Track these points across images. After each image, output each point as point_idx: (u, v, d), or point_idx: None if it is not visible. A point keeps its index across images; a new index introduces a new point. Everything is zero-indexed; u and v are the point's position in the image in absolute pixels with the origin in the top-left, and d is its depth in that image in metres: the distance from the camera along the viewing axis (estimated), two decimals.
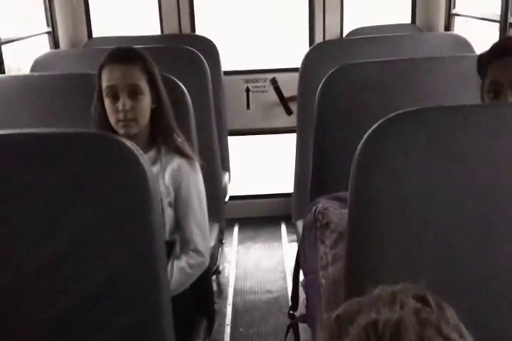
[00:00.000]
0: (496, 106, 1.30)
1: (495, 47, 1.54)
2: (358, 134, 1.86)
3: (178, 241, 1.64)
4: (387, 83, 1.82)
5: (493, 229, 1.10)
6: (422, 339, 0.61)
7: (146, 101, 1.62)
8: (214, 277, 2.64)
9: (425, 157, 1.10)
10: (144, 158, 1.16)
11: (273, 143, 4.35)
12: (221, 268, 2.92)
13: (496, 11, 2.47)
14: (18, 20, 3.28)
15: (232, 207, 3.19)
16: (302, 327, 1.76)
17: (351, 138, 1.87)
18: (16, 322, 1.17)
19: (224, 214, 2.59)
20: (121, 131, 1.60)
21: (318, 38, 3.24)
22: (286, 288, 2.78)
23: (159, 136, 1.66)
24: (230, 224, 3.36)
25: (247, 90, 3.31)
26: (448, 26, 3.06)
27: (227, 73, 3.17)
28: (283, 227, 3.44)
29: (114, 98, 1.58)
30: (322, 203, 1.72)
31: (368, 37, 2.64)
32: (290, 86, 3.28)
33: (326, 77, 1.84)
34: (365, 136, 1.15)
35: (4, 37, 2.42)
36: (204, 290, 1.77)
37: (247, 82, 3.30)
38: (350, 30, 3.25)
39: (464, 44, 2.52)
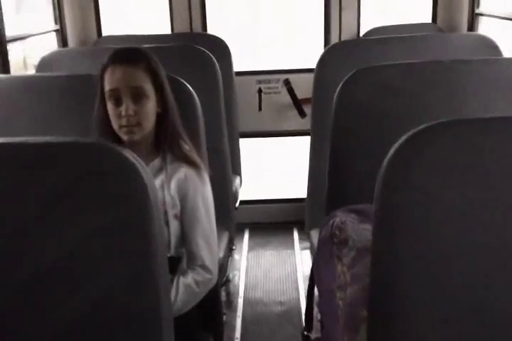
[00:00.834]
0: None
1: None
2: (379, 143, 1.74)
3: (185, 256, 1.53)
4: (410, 87, 1.69)
5: None
6: None
7: (151, 105, 1.51)
8: (223, 287, 2.54)
9: (462, 174, 0.98)
10: (146, 170, 1.05)
11: (286, 146, 4.22)
12: (231, 276, 2.81)
13: None
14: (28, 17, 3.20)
15: (243, 211, 3.08)
16: None
17: (372, 147, 1.77)
18: None
19: (234, 222, 2.48)
20: (125, 137, 1.49)
21: (334, 38, 3.12)
22: (298, 299, 2.67)
23: (165, 142, 1.55)
24: (240, 229, 3.25)
25: (260, 91, 3.20)
26: (471, 26, 2.91)
27: (238, 73, 3.07)
28: (295, 234, 3.32)
29: (117, 102, 1.47)
30: (339, 217, 1.60)
31: (387, 37, 2.51)
32: (304, 87, 3.17)
33: (344, 80, 1.72)
34: (392, 150, 1.03)
35: (10, 34, 2.33)
36: (212, 307, 1.66)
37: (259, 82, 3.19)
38: (367, 29, 3.13)
39: (490, 46, 2.38)
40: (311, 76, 3.16)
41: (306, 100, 3.17)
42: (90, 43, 3.07)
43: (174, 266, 1.48)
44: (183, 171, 1.53)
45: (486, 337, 1.01)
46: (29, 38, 2.80)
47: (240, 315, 2.54)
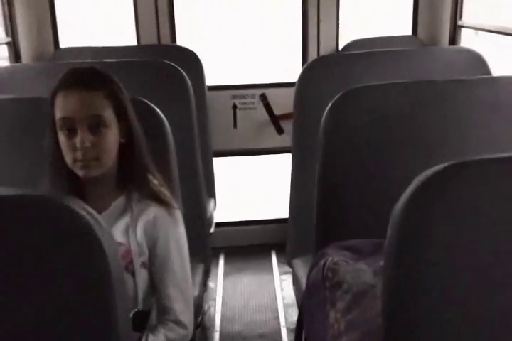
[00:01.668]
0: None
1: None
2: (372, 172, 1.59)
3: (155, 309, 1.33)
4: (406, 110, 1.53)
5: None
6: None
7: (113, 136, 1.30)
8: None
9: (493, 225, 0.82)
10: (104, 229, 0.86)
11: (262, 164, 4.05)
12: (206, 307, 2.60)
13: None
14: None
15: (217, 234, 2.88)
16: None
17: (364, 177, 1.61)
18: None
19: (210, 252, 2.28)
20: (80, 173, 1.28)
21: (313, 51, 2.96)
22: (279, 331, 2.48)
23: (130, 178, 1.35)
24: (214, 253, 3.05)
25: (234, 107, 3.02)
26: (453, 39, 2.80)
27: (211, 88, 2.88)
28: (273, 257, 3.13)
29: (71, 132, 1.26)
30: (331, 255, 1.42)
31: (370, 52, 2.36)
32: (281, 103, 3.01)
33: (331, 102, 1.55)
34: (407, 195, 0.86)
35: None
36: None
37: (234, 98, 3.01)
38: (345, 42, 2.99)
39: (477, 61, 2.26)
40: (288, 91, 3.02)
41: (284, 116, 3.02)
42: (46, 57, 2.83)
43: (142, 321, 1.28)
44: (152, 211, 1.33)
45: None
46: None
47: None
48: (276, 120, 3.02)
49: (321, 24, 2.90)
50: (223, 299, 2.73)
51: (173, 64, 2.16)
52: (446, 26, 2.83)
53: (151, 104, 1.57)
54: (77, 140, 1.25)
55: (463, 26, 2.78)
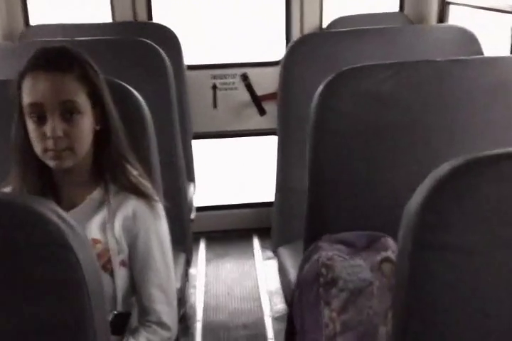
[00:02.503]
0: None
1: None
2: (369, 159, 1.49)
3: (136, 310, 1.23)
4: (402, 92, 1.43)
5: None
6: None
7: (87, 123, 1.17)
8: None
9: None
10: (77, 235, 0.75)
11: (242, 147, 3.93)
12: (186, 296, 2.51)
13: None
14: None
15: (197, 219, 2.77)
16: None
17: (360, 165, 1.51)
18: None
19: (191, 240, 2.18)
20: (51, 164, 1.16)
21: (296, 29, 2.83)
22: (263, 320, 2.40)
23: (107, 168, 1.23)
24: (195, 238, 2.95)
25: (214, 87, 2.89)
26: (442, 16, 2.69)
27: (190, 68, 2.75)
28: (255, 242, 3.05)
29: (40, 120, 1.13)
30: (324, 250, 1.33)
31: (358, 29, 2.25)
32: (263, 83, 2.89)
33: (323, 85, 1.44)
34: (423, 194, 0.76)
35: None
36: None
37: (214, 78, 2.87)
38: (330, 19, 2.87)
39: (469, 39, 2.16)
40: (270, 70, 2.91)
41: (266, 97, 2.90)
42: (16, 35, 2.65)
43: (122, 324, 1.18)
44: (131, 205, 1.22)
45: None
46: None
47: None
48: (258, 101, 2.91)
49: (305, 1, 2.77)
50: (205, 287, 2.64)
51: (149, 42, 2.02)
52: (434, 2, 2.73)
53: (128, 86, 1.44)
54: (48, 128, 1.12)
55: (451, 3, 2.68)
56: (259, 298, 2.54)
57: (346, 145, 1.46)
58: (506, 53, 2.09)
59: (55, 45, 1.20)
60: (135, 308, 1.23)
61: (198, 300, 2.55)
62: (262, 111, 2.92)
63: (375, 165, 1.45)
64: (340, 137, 1.46)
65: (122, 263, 1.21)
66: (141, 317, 1.22)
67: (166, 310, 1.22)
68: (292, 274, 1.79)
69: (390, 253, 1.31)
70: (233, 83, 2.88)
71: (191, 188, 2.60)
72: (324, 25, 2.86)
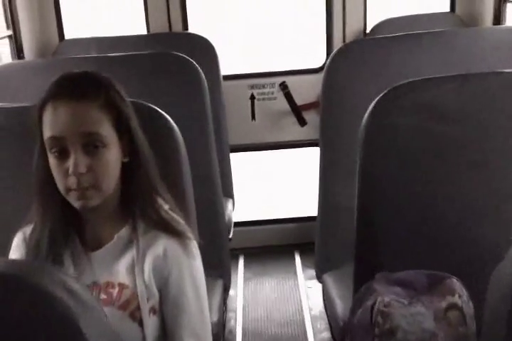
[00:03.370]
0: None
1: None
2: (428, 184, 1.31)
3: None
4: (468, 107, 1.26)
5: None
6: None
7: (113, 156, 1.05)
8: None
9: None
10: (89, 312, 0.62)
11: (283, 159, 3.77)
12: (225, 319, 2.37)
13: None
14: None
15: (236, 235, 2.64)
16: None
17: (420, 190, 1.33)
18: None
19: (229, 265, 2.04)
20: (76, 204, 1.03)
21: (338, 33, 2.66)
22: None
23: (136, 203, 1.10)
24: (232, 255, 2.82)
25: (252, 98, 2.75)
26: (498, 16, 2.47)
27: (227, 78, 2.62)
28: (297, 259, 2.89)
29: (62, 154, 1.01)
30: (380, 293, 1.17)
31: (407, 34, 2.07)
32: (303, 91, 2.74)
33: (376, 100, 1.28)
34: None
35: None
36: None
37: (251, 87, 2.74)
38: (373, 22, 2.69)
39: None
40: (310, 78, 2.76)
41: (306, 106, 2.75)
42: (51, 50, 2.58)
43: None
44: (162, 244, 1.09)
45: None
46: None
47: None
48: (298, 110, 2.75)
49: (347, 2, 2.60)
50: (244, 310, 2.49)
51: (183, 55, 1.90)
52: (489, 1, 2.51)
53: (158, 109, 1.31)
54: (70, 163, 1.00)
55: (509, 1, 2.46)
56: (303, 323, 2.37)
57: (403, 168, 1.30)
58: None
59: (78, 71, 1.08)
60: None
61: (237, 324, 2.41)
62: (302, 122, 2.76)
63: (437, 191, 1.28)
64: (395, 158, 1.30)
65: (153, 311, 1.08)
66: None
67: None
68: (340, 308, 1.63)
69: (457, 299, 1.13)
70: (272, 93, 2.74)
71: (229, 205, 2.47)
72: (368, 28, 2.69)
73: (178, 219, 1.13)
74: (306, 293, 2.60)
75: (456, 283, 1.16)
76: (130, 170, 1.09)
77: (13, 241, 1.13)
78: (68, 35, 2.68)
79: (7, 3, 2.36)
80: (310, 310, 2.46)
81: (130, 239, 1.09)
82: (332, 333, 1.74)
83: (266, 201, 3.58)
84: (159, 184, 1.13)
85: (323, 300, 1.89)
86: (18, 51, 2.43)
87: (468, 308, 1.14)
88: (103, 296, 1.07)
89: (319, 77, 2.15)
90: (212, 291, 1.82)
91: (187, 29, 2.68)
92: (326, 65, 2.01)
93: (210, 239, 1.92)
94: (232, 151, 2.63)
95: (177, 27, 2.63)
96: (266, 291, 2.64)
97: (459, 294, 1.14)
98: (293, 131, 2.79)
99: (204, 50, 2.39)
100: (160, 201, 1.12)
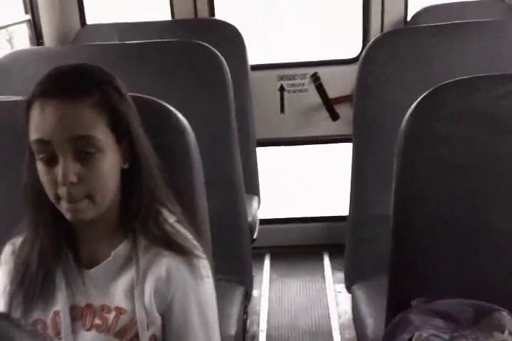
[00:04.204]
0: None
1: None
2: (477, 199, 1.14)
3: None
4: None
5: None
6: None
7: (109, 163, 0.91)
8: None
9: None
10: None
11: (313, 155, 3.60)
12: (248, 324, 2.24)
13: None
14: None
15: (262, 233, 2.50)
16: None
17: (464, 207, 1.16)
18: None
19: (251, 269, 1.91)
20: (67, 216, 0.90)
21: (375, 21, 2.48)
22: None
23: (137, 216, 0.96)
24: (258, 254, 2.69)
25: (281, 89, 2.59)
26: None
27: (255, 68, 2.47)
28: (326, 261, 2.74)
29: (50, 161, 0.88)
30: (417, 326, 1.01)
31: (451, 24, 1.87)
32: (336, 84, 2.57)
33: (415, 104, 1.12)
34: None
35: None
36: None
37: (281, 78, 2.58)
38: (414, 9, 2.49)
39: None
40: (345, 69, 2.59)
41: (339, 99, 2.58)
42: (72, 36, 2.48)
43: None
44: (165, 264, 0.95)
45: None
46: None
47: None
48: (330, 104, 2.59)
49: None
50: (268, 315, 2.36)
51: (207, 45, 1.77)
52: None
53: (168, 106, 1.16)
54: (59, 170, 0.87)
55: None
56: (330, 332, 2.23)
57: (447, 180, 1.13)
58: None
59: (72, 63, 0.94)
60: None
61: (260, 329, 2.28)
62: (334, 116, 2.60)
63: (485, 208, 1.11)
64: (438, 169, 1.13)
65: (153, 339, 0.95)
66: None
67: None
68: (371, 327, 1.48)
69: (507, 337, 0.97)
70: (302, 84, 2.58)
71: (254, 203, 2.33)
72: (409, 16, 2.49)
73: (185, 234, 0.99)
74: (334, 297, 2.45)
75: (506, 316, 1.00)
76: (131, 177, 0.95)
77: (2, 254, 1.02)
78: (90, 20, 2.57)
79: None
80: (339, 317, 2.31)
81: (129, 256, 0.96)
82: None
83: (294, 198, 3.43)
84: (164, 193, 0.99)
85: (353, 312, 1.74)
86: (37, 37, 2.33)
87: None
88: (97, 321, 0.95)
89: (354, 68, 1.98)
90: (231, 299, 1.69)
91: (213, 15, 2.54)
92: (362, 55, 1.84)
93: (230, 243, 1.81)
94: (259, 145, 2.49)
95: (203, 13, 2.50)
96: (292, 294, 2.51)
97: (510, 330, 0.98)
98: (324, 125, 2.63)
99: (231, 38, 2.26)
100: (165, 213, 0.98)
